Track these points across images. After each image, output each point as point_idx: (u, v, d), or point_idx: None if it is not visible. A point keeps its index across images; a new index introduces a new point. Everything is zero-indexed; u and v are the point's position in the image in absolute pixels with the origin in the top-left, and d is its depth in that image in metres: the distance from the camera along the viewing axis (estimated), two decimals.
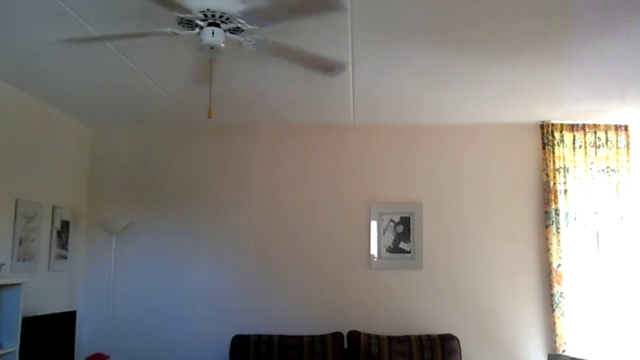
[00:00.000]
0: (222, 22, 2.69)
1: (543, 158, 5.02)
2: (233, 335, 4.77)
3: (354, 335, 4.68)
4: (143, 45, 3.40)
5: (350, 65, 3.70)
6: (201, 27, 2.70)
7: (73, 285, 5.06)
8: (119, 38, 3.13)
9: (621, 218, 4.83)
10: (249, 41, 2.87)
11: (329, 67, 3.25)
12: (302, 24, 2.88)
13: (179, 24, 2.71)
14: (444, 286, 5.02)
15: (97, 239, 5.22)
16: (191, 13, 2.62)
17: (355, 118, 5.05)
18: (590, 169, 4.94)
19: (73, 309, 4.70)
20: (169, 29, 2.74)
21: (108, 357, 4.82)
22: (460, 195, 5.12)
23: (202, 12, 2.63)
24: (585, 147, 4.97)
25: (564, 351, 4.69)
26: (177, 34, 2.76)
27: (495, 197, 5.09)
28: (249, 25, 2.73)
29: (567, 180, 4.91)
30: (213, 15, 2.65)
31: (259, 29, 2.78)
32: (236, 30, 2.77)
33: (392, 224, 5.12)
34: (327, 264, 5.11)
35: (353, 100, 4.54)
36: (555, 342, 4.75)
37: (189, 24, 2.70)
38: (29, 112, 4.47)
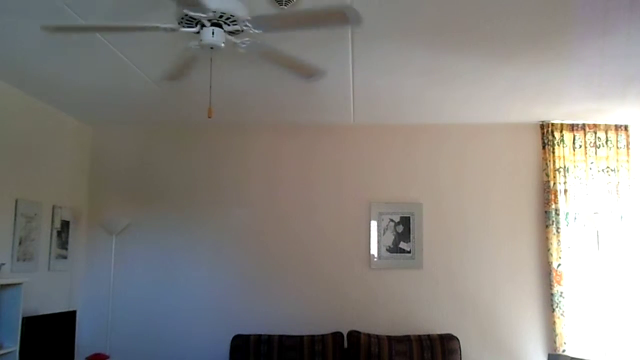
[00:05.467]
0: (226, 23, 2.61)
1: (543, 158, 5.02)
2: (233, 335, 4.77)
3: (354, 335, 4.68)
4: (143, 45, 3.40)
5: (351, 69, 3.70)
6: (202, 26, 2.61)
7: (73, 285, 5.06)
8: (116, 30, 3.02)
9: (621, 218, 4.84)
10: (244, 44, 2.81)
11: (310, 73, 3.24)
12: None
13: (179, 22, 2.61)
14: (444, 286, 5.02)
15: (97, 239, 5.22)
16: (204, 12, 2.51)
17: (355, 118, 5.05)
18: (590, 168, 4.94)
19: (73, 309, 4.70)
20: (167, 25, 2.62)
21: (108, 357, 4.82)
22: (460, 195, 5.12)
23: (212, 12, 2.52)
24: (585, 147, 4.97)
25: (564, 351, 4.69)
26: (175, 30, 2.65)
27: (495, 197, 5.09)
28: (255, 29, 2.66)
29: (567, 180, 4.91)
30: (221, 16, 2.56)
31: (262, 33, 2.71)
32: (235, 32, 2.69)
33: (392, 223, 5.12)
34: (327, 263, 5.11)
35: (353, 100, 4.54)
36: (555, 342, 4.75)
37: (190, 22, 2.60)
38: (29, 112, 4.47)
